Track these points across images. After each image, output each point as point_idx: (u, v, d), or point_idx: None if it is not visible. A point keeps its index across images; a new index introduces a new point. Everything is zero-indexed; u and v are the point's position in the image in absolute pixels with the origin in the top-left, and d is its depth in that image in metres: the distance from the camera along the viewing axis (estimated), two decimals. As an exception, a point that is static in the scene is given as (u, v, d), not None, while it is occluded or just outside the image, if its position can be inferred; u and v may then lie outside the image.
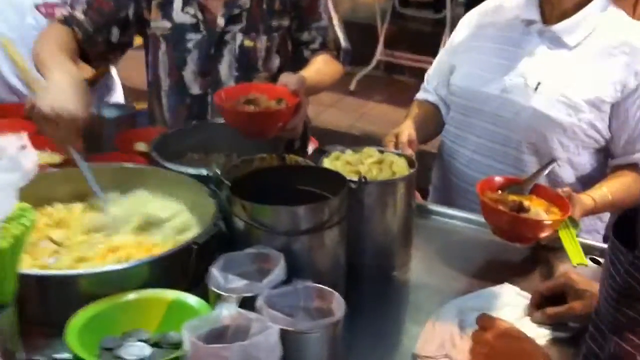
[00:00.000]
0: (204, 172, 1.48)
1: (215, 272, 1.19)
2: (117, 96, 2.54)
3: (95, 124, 1.88)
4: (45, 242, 1.39)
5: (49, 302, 1.23)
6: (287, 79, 1.61)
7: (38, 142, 1.81)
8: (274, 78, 1.81)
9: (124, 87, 2.60)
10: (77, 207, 1.51)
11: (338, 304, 1.14)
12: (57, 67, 1.59)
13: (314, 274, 1.25)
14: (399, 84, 4.91)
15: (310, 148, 2.19)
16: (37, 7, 2.26)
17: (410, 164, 1.47)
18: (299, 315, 1.17)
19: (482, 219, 1.54)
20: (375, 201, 1.39)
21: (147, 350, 1.14)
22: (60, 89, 1.50)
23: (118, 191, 1.55)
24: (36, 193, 1.34)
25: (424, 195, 1.99)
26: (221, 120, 1.68)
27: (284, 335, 1.06)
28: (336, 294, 1.16)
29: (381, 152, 1.52)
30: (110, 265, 1.28)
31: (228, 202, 1.30)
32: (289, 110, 1.58)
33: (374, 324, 1.32)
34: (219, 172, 1.43)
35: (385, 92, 4.80)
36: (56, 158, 1.78)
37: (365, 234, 1.41)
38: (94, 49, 1.87)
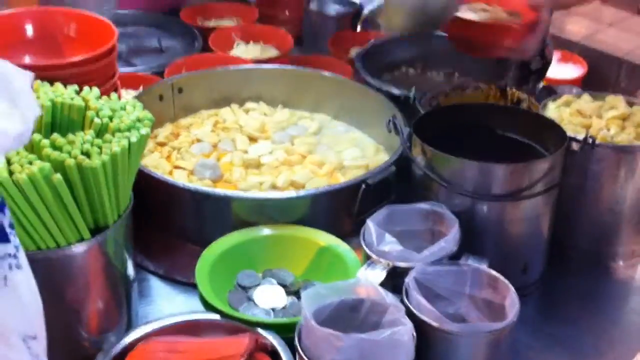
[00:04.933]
0: (407, 94, 1.25)
1: (371, 226, 0.97)
2: None
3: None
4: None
5: (200, 219, 1.10)
6: None
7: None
8: None
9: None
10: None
11: (512, 302, 0.87)
12: None
13: (497, 253, 0.99)
14: None
15: (570, 70, 1.77)
16: None
17: (670, 125, 1.09)
18: (461, 303, 0.92)
19: None
20: (604, 170, 1.05)
21: (282, 299, 1.02)
22: None
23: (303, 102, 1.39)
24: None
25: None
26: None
27: (427, 330, 0.83)
28: (512, 289, 0.88)
29: (631, 104, 1.14)
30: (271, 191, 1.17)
31: (408, 140, 1.05)
32: (523, 28, 1.27)
33: (567, 334, 1.00)
34: (414, 96, 1.18)
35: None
36: (271, 52, 1.64)
37: (582, 210, 1.08)
38: None
